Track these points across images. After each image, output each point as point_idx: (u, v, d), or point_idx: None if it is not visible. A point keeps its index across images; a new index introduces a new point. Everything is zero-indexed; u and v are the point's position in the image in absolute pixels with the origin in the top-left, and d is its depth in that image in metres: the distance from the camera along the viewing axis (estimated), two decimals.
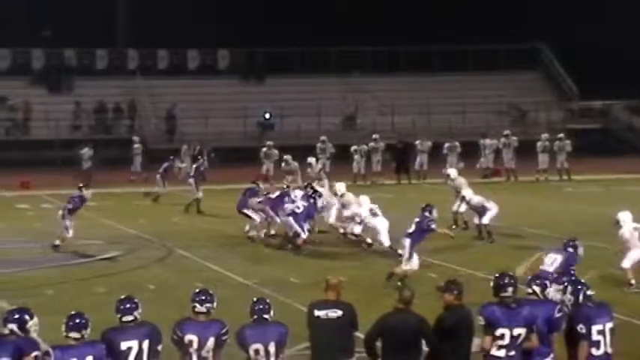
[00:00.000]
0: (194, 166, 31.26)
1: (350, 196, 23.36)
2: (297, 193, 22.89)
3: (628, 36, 48.75)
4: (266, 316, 10.09)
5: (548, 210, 29.40)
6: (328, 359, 10.70)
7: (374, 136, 39.71)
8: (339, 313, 10.66)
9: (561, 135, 39.79)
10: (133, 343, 9.56)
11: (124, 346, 9.53)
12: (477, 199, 23.92)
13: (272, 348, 9.96)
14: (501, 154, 39.10)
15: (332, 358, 10.67)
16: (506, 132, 39.96)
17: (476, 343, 10.35)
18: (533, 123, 49.93)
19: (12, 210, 30.88)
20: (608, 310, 10.45)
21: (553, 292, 10.67)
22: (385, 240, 21.47)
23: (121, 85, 50.37)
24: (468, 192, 24.29)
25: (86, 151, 38.35)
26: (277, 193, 23.90)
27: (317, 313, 10.72)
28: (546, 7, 51.26)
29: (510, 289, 10.22)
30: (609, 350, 10.27)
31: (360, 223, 22.36)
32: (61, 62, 51.46)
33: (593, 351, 10.19)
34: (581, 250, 14.56)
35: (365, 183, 36.82)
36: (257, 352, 9.93)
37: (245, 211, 23.86)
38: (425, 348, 10.39)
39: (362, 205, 22.45)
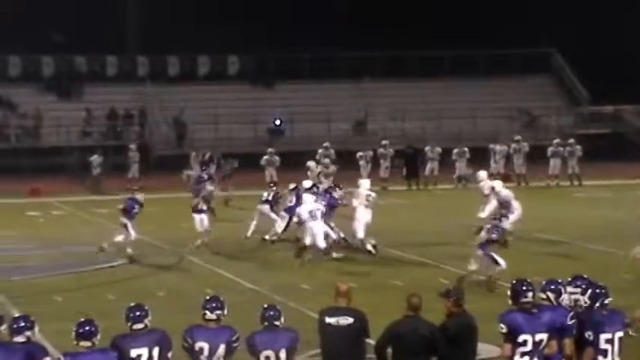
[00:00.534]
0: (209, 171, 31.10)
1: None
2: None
3: (639, 40, 48.63)
4: (277, 322, 10.06)
5: (559, 215, 29.32)
6: None
7: (383, 142, 39.67)
8: (351, 320, 10.62)
9: (572, 140, 39.70)
10: (143, 351, 9.53)
11: (134, 353, 9.50)
12: (505, 192, 23.71)
13: (283, 354, 9.93)
14: (512, 160, 39.02)
15: None
16: (517, 137, 39.88)
17: (485, 349, 10.29)
18: (544, 128, 49.83)
19: (23, 217, 30.90)
20: (620, 319, 10.33)
21: (567, 296, 10.57)
22: (320, 242, 21.34)
23: (131, 92, 50.42)
24: (498, 183, 24.12)
25: (95, 158, 38.38)
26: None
27: (328, 320, 10.68)
28: (557, 11, 51.14)
29: (530, 294, 10.15)
30: (617, 359, 10.18)
31: (299, 225, 22.38)
32: (72, 69, 51.53)
33: (600, 359, 10.12)
34: None
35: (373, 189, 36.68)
36: (268, 358, 9.90)
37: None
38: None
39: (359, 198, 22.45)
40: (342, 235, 22.70)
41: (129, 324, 9.67)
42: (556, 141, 39.49)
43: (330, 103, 49.86)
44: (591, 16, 50.22)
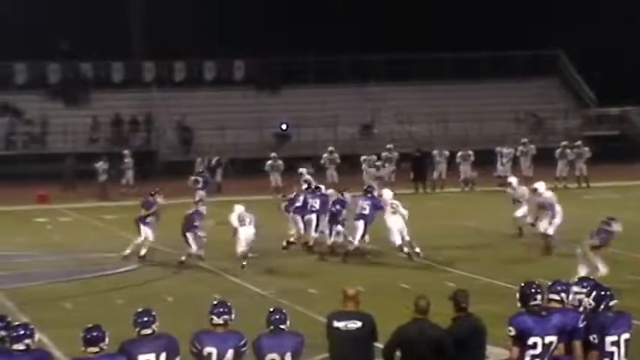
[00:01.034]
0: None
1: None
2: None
3: None
4: (282, 326, 10.04)
5: (566, 217, 29.19)
6: None
7: (388, 145, 39.60)
8: (359, 324, 10.59)
9: (579, 142, 39.65)
10: (151, 356, 9.52)
11: (141, 358, 9.49)
12: (549, 194, 23.21)
13: (288, 358, 9.91)
14: (519, 162, 38.95)
15: None
16: (524, 140, 39.84)
17: (494, 352, 10.25)
18: (551, 130, 49.78)
19: (30, 224, 30.94)
20: (626, 321, 10.23)
21: (572, 296, 10.52)
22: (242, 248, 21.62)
23: (138, 98, 50.49)
24: (540, 184, 23.67)
25: (101, 165, 38.35)
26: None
27: (336, 324, 10.65)
28: (563, 13, 51.10)
29: (539, 296, 10.09)
30: None
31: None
32: (78, 75, 51.63)
33: None
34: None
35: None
36: None
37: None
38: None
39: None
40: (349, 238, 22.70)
41: (136, 329, 9.65)
42: (563, 143, 39.45)
43: (336, 108, 49.88)
44: (597, 17, 50.14)
